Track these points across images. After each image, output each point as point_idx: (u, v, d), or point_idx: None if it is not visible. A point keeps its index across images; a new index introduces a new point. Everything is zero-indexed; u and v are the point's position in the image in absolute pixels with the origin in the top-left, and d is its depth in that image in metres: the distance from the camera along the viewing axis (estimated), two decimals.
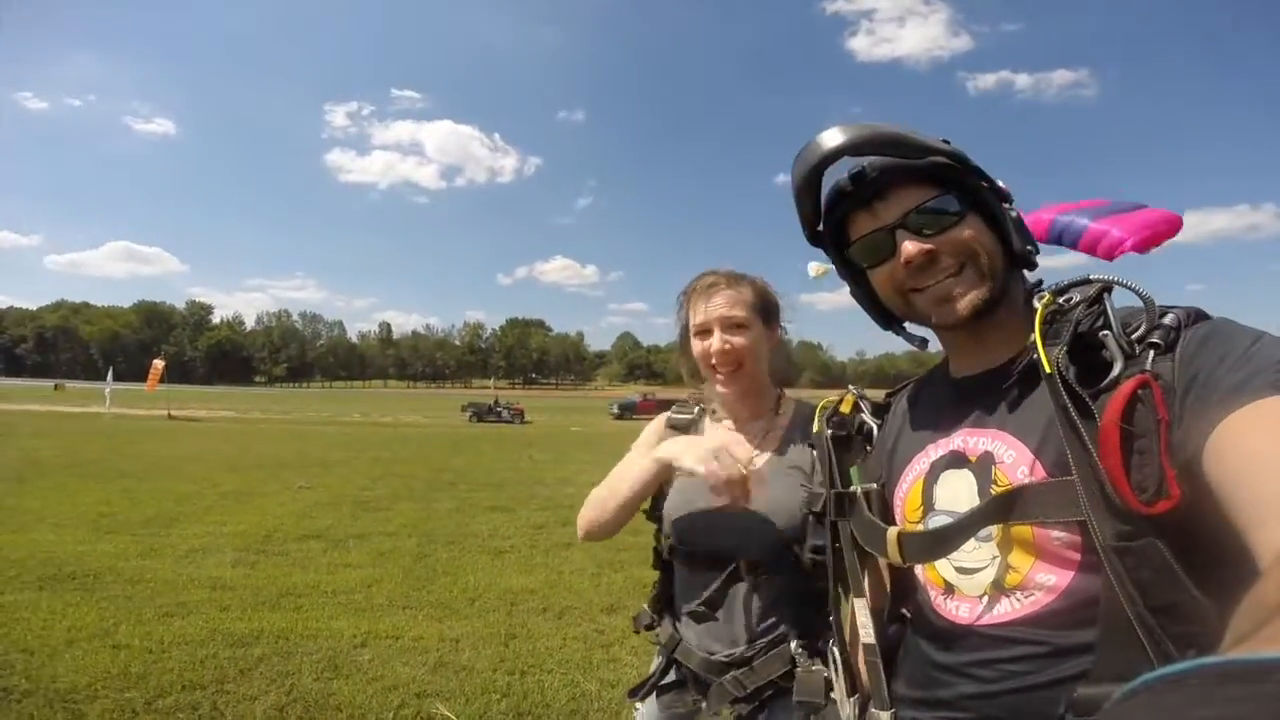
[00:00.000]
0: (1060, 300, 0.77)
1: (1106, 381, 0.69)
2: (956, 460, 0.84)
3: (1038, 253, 0.84)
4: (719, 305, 1.34)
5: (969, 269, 0.82)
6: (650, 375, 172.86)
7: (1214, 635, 0.60)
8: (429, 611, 4.08)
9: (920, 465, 0.90)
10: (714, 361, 1.34)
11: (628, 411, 37.10)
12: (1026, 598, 0.75)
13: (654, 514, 1.43)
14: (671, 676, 1.39)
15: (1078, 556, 0.71)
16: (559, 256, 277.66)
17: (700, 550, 1.35)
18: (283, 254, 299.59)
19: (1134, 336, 0.71)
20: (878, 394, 1.12)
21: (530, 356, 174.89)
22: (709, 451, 1.19)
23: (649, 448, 1.43)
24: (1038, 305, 0.77)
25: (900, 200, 0.83)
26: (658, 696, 1.40)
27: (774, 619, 1.30)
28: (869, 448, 1.03)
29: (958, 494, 0.83)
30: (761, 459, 1.37)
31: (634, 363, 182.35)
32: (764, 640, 1.30)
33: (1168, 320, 0.70)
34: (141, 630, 3.51)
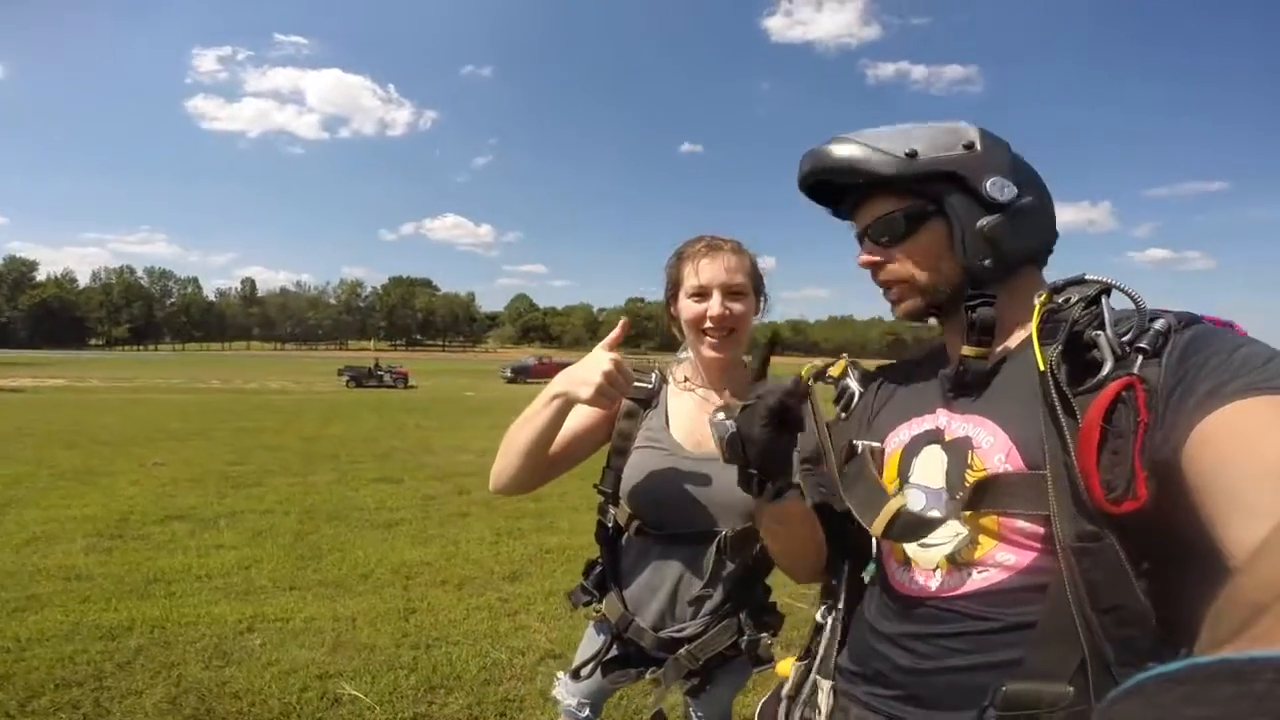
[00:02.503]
0: (1058, 299, 0.79)
1: (1093, 382, 0.71)
2: (934, 437, 0.88)
3: (992, 269, 0.85)
4: (722, 270, 1.32)
5: (905, 283, 0.90)
6: (546, 338, 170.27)
7: (1154, 640, 0.65)
8: (318, 591, 3.95)
9: (901, 436, 0.92)
10: (709, 325, 1.32)
11: (521, 375, 36.20)
12: (981, 574, 0.78)
13: (607, 488, 1.38)
14: (613, 651, 1.38)
15: (1039, 546, 0.74)
16: (451, 214, 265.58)
17: (671, 527, 1.31)
18: (127, 206, 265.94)
19: (1124, 339, 0.72)
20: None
21: (415, 317, 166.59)
22: (603, 374, 1.16)
23: (595, 412, 1.37)
24: (1035, 303, 0.79)
25: (867, 211, 0.92)
26: (602, 673, 1.39)
27: (727, 593, 1.32)
28: (844, 414, 1.05)
29: (932, 470, 0.86)
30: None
31: (529, 325, 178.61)
32: (717, 614, 1.32)
33: (1158, 325, 0.72)
34: None
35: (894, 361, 1.10)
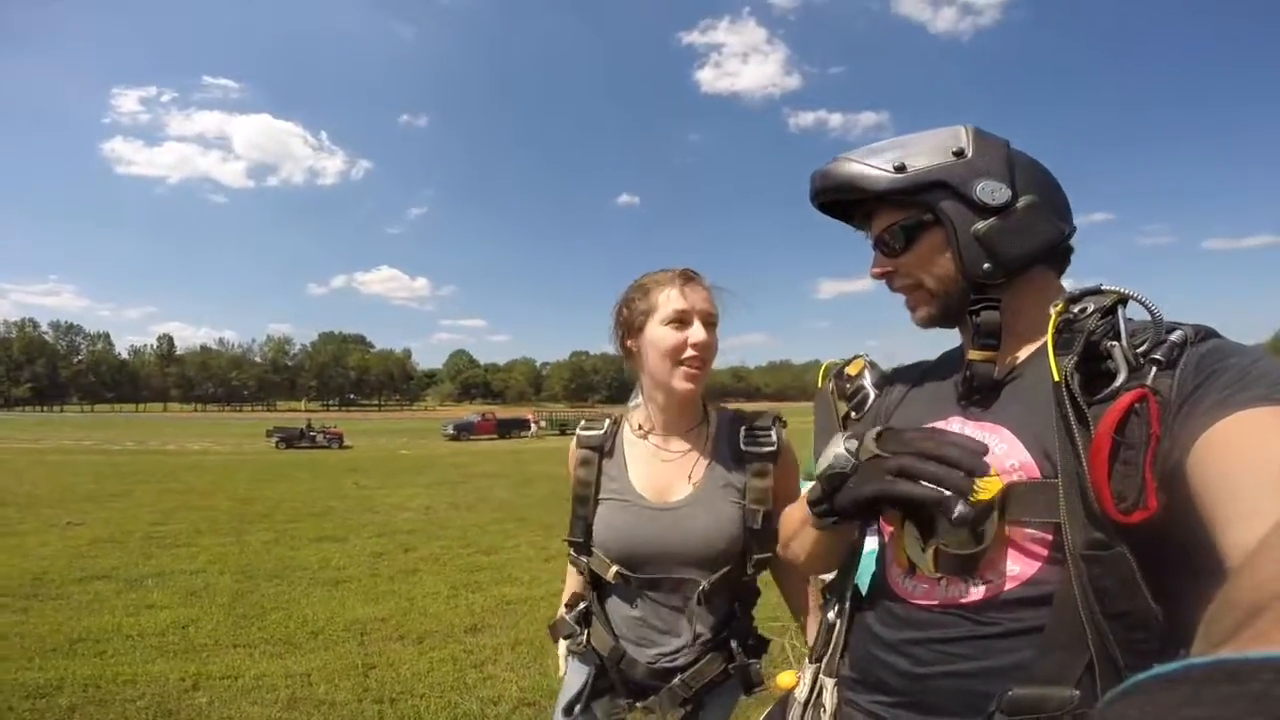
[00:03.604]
0: (1074, 309, 0.78)
1: (1106, 392, 0.71)
2: None
3: (993, 272, 0.85)
4: (701, 298, 1.30)
5: (919, 290, 0.91)
6: (489, 395, 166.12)
7: (1161, 642, 0.66)
8: (266, 648, 3.72)
9: None
10: (690, 354, 1.28)
11: (465, 432, 34.95)
12: (987, 582, 0.77)
13: (577, 538, 1.36)
14: (600, 682, 1.36)
15: (1046, 553, 0.74)
16: (385, 267, 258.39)
17: (653, 579, 1.30)
18: (31, 254, 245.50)
19: (1140, 350, 0.72)
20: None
21: (348, 375, 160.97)
22: None
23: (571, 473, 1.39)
24: (1051, 312, 0.78)
25: (874, 225, 0.94)
26: (593, 702, 1.36)
27: (717, 625, 1.32)
28: (855, 414, 1.04)
29: None
30: (699, 473, 1.33)
31: (470, 381, 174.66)
32: (708, 644, 1.31)
33: (1174, 337, 0.72)
34: None
35: (910, 365, 1.09)
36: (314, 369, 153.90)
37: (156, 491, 10.57)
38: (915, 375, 1.04)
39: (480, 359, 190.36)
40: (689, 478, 1.32)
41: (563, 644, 1.44)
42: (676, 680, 1.29)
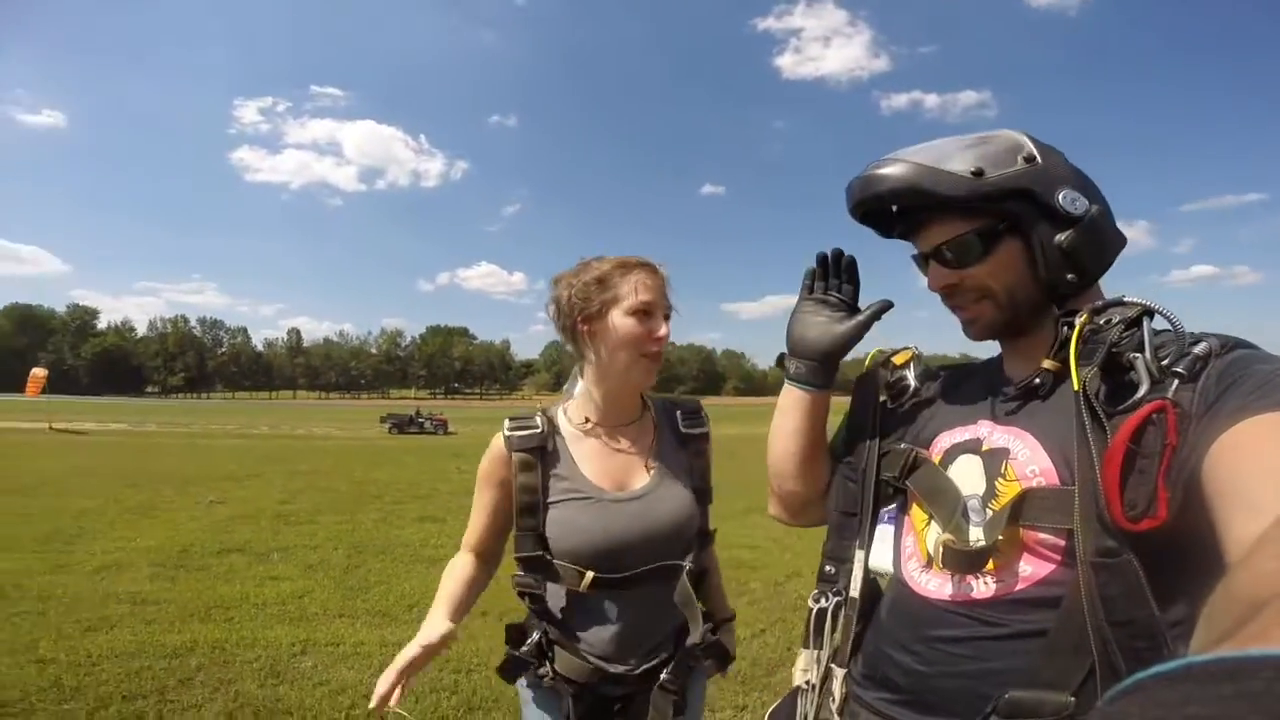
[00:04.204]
0: (1099, 320, 0.79)
1: (1128, 403, 0.71)
2: (973, 446, 0.88)
3: (1077, 283, 0.85)
4: (661, 289, 1.28)
5: (986, 300, 0.88)
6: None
7: (1165, 651, 0.66)
8: (366, 620, 4.10)
9: (943, 443, 0.92)
10: (654, 348, 1.26)
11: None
12: (998, 583, 0.78)
13: (529, 551, 1.25)
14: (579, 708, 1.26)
15: (1059, 558, 0.75)
16: (484, 263, 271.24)
17: (633, 576, 1.24)
18: (179, 256, 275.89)
19: (1163, 363, 0.72)
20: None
21: (453, 365, 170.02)
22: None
23: (491, 481, 1.29)
24: (1077, 322, 0.79)
25: (933, 233, 0.89)
26: None
27: (679, 610, 1.28)
28: (891, 403, 1.04)
29: (968, 477, 0.86)
30: (654, 460, 1.32)
31: (564, 371, 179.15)
32: (676, 632, 1.30)
33: (1198, 349, 0.72)
34: (65, 645, 3.39)
35: (954, 366, 1.10)
36: (422, 359, 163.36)
37: (285, 473, 11.68)
38: (955, 376, 1.04)
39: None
40: (645, 466, 1.31)
41: (522, 685, 1.33)
42: (664, 676, 1.25)
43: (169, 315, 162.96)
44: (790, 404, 1.07)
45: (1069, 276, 0.84)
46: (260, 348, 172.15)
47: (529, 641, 1.28)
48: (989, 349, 1.02)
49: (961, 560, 0.81)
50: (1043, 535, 0.76)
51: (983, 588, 0.79)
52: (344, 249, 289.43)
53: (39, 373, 24.46)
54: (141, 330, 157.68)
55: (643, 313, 1.24)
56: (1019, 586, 0.77)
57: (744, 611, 4.33)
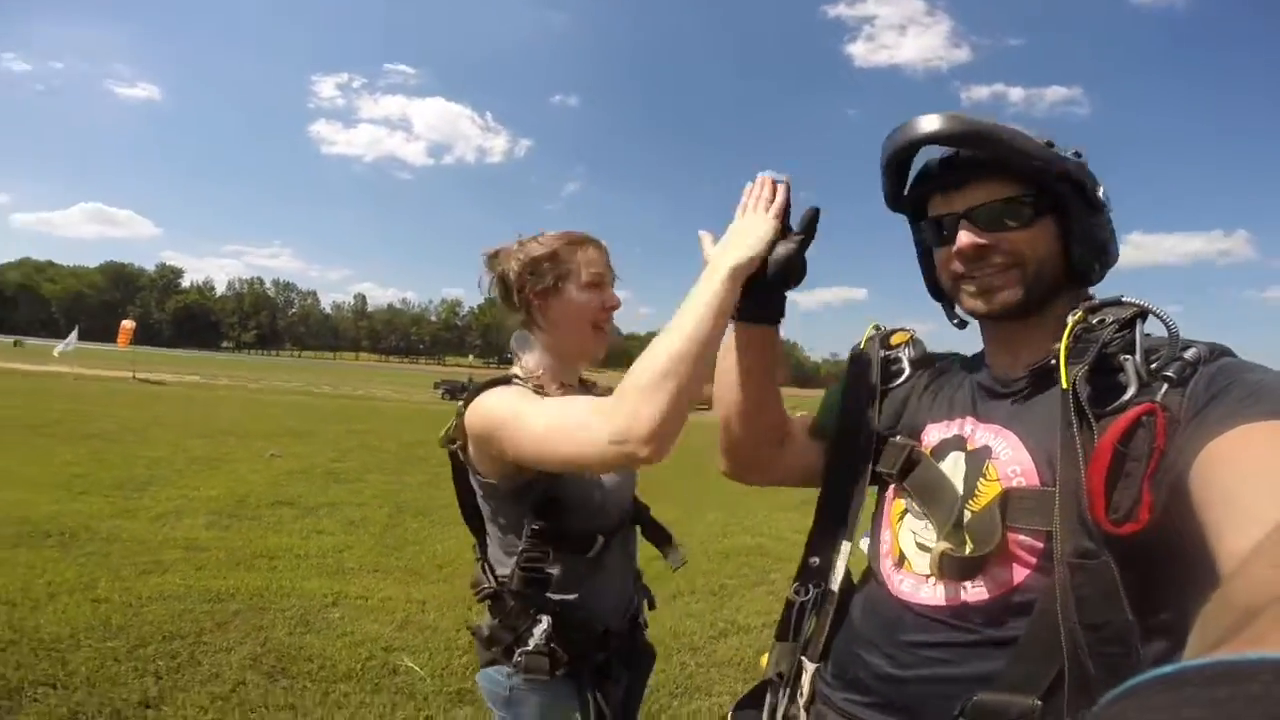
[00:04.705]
0: (1092, 319, 0.78)
1: (1116, 405, 0.71)
2: (959, 444, 0.87)
3: (1102, 271, 0.86)
4: (607, 261, 1.32)
5: (1014, 270, 0.84)
6: (629, 363, 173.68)
7: (1135, 657, 0.66)
8: (398, 576, 4.28)
9: (932, 437, 0.92)
10: (604, 317, 1.30)
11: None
12: (974, 587, 0.78)
13: (550, 531, 1.19)
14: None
15: (1035, 561, 0.75)
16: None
17: (624, 529, 1.31)
18: (261, 222, 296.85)
19: (1154, 366, 0.72)
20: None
21: (507, 336, 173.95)
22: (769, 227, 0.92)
23: (532, 402, 1.11)
24: (1070, 320, 0.78)
25: (975, 193, 0.84)
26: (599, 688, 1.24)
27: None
28: (883, 385, 1.02)
29: (955, 477, 0.85)
30: None
31: (613, 349, 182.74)
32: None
33: (1188, 355, 0.72)
34: (120, 586, 3.66)
35: (944, 354, 1.07)
36: (479, 329, 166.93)
37: (341, 431, 12.20)
38: (946, 367, 1.02)
39: (624, 329, 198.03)
40: None
41: (516, 685, 1.20)
42: (642, 618, 1.37)
43: (248, 277, 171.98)
44: (737, 343, 1.01)
45: (1095, 265, 0.85)
46: (328, 310, 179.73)
47: (537, 632, 1.17)
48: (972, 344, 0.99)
49: (962, 568, 0.78)
50: (1021, 537, 0.76)
51: (958, 592, 0.79)
52: (411, 221, 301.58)
53: (128, 324, 26.09)
54: (220, 290, 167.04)
55: (594, 285, 1.28)
56: (996, 593, 0.76)
57: (761, 601, 4.34)
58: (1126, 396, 0.71)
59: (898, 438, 0.94)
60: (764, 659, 1.03)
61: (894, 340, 1.06)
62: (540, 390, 1.23)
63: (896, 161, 0.90)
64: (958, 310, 0.95)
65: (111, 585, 3.65)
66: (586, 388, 1.39)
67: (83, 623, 3.15)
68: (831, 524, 0.97)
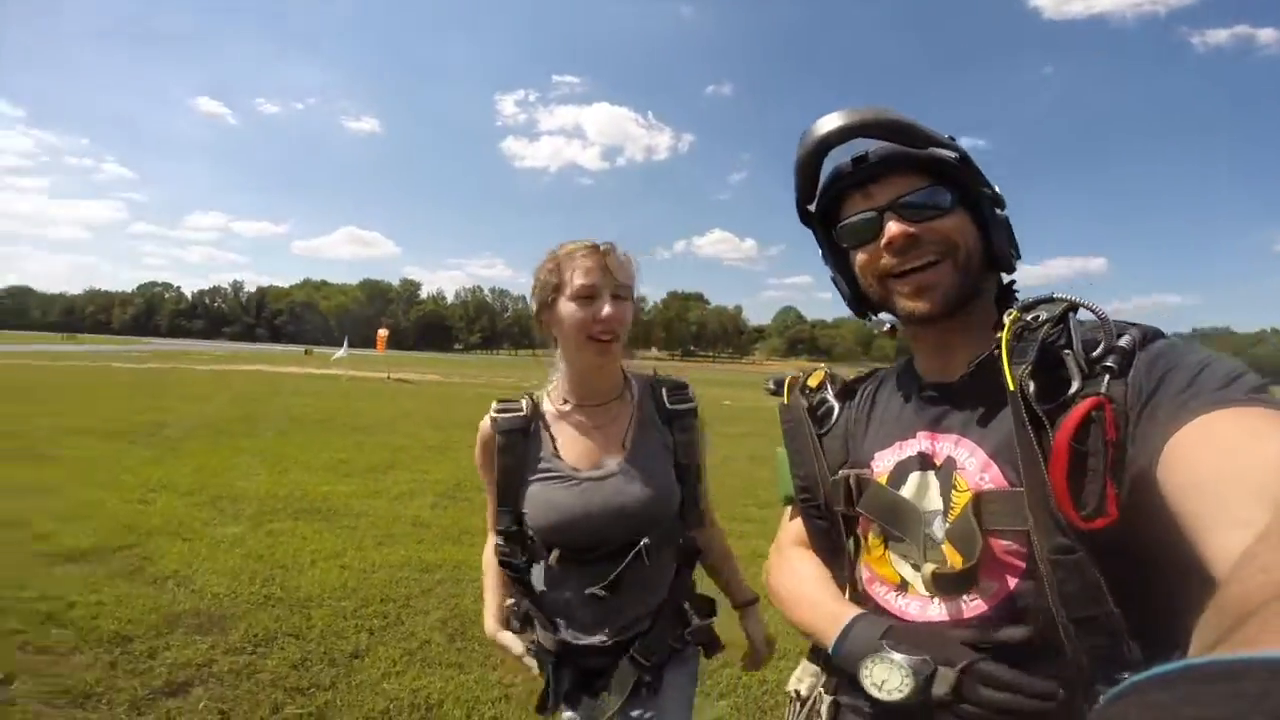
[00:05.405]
0: (1027, 317, 0.78)
1: (1062, 400, 0.71)
2: (924, 462, 0.86)
3: (1019, 258, 0.86)
4: (609, 270, 1.28)
5: (947, 262, 0.83)
6: (814, 350, 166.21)
7: (1123, 649, 0.66)
8: None
9: (884, 462, 0.91)
10: (598, 330, 1.26)
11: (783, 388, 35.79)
12: (972, 601, 0.78)
13: (508, 525, 1.33)
14: (564, 683, 1.32)
15: (1021, 565, 0.75)
16: (716, 230, 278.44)
17: (598, 549, 1.28)
18: (474, 236, 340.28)
19: (1094, 356, 0.73)
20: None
21: (689, 329, 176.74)
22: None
23: (484, 464, 1.37)
24: (1006, 320, 0.78)
25: (895, 186, 0.84)
26: (574, 708, 1.32)
27: (663, 587, 1.33)
28: (819, 430, 1.01)
29: (924, 495, 0.85)
30: (630, 438, 1.33)
31: (796, 337, 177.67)
32: (660, 609, 1.32)
33: (1123, 342, 0.73)
34: (360, 555, 4.57)
35: (867, 374, 1.07)
36: (662, 323, 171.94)
37: None
38: (874, 388, 1.02)
39: (807, 315, 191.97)
40: (621, 444, 1.34)
41: (511, 637, 1.38)
42: (637, 645, 1.29)
43: (469, 285, 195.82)
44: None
45: (1011, 252, 0.86)
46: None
47: (517, 607, 1.38)
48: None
49: (954, 583, 0.78)
50: (1004, 542, 0.76)
51: (971, 607, 0.79)
52: (595, 223, 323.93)
53: (383, 332, 31.77)
54: (450, 298, 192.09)
55: (584, 298, 1.27)
56: (996, 601, 0.77)
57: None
58: (1072, 390, 0.71)
59: (840, 473, 0.95)
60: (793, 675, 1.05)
61: (812, 383, 1.07)
62: (566, 413, 1.36)
63: (809, 164, 0.90)
64: (882, 316, 0.95)
65: (355, 555, 4.57)
66: (627, 384, 1.42)
67: (329, 585, 3.97)
68: (835, 568, 0.99)
